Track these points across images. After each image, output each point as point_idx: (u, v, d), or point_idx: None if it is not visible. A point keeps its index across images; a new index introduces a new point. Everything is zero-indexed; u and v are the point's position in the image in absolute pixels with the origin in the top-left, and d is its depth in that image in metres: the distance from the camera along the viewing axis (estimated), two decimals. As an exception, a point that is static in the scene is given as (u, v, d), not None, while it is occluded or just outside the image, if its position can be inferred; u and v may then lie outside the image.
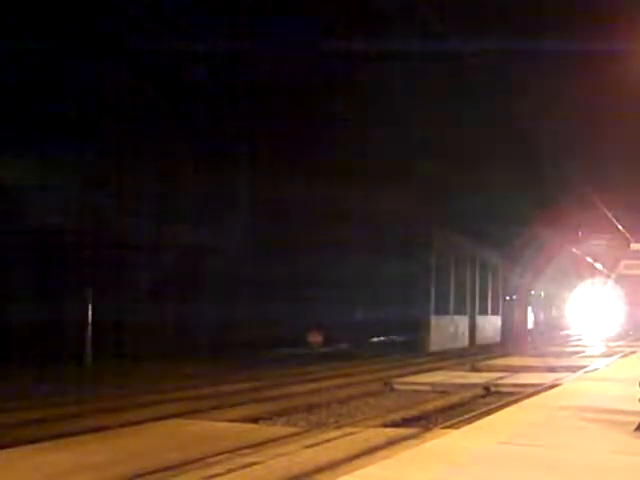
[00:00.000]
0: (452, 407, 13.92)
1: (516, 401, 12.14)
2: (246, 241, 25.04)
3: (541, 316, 50.84)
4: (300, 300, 25.63)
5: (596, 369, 18.44)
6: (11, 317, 18.62)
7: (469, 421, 10.12)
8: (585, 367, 19.34)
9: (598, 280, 48.84)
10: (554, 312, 54.41)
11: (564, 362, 22.95)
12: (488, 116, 18.32)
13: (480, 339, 36.28)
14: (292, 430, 10.79)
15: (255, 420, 11.98)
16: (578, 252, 40.38)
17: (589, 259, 43.51)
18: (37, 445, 8.92)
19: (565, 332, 50.93)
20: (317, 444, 9.17)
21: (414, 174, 23.39)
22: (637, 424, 8.02)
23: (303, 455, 8.45)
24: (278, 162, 22.15)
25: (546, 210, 27.57)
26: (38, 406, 12.35)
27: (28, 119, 18.10)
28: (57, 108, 18.22)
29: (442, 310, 32.01)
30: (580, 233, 34.33)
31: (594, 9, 12.72)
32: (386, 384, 16.98)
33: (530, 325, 45.88)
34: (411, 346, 29.45)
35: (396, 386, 16.85)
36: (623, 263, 17.68)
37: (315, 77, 16.78)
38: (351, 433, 10.10)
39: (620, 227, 28.32)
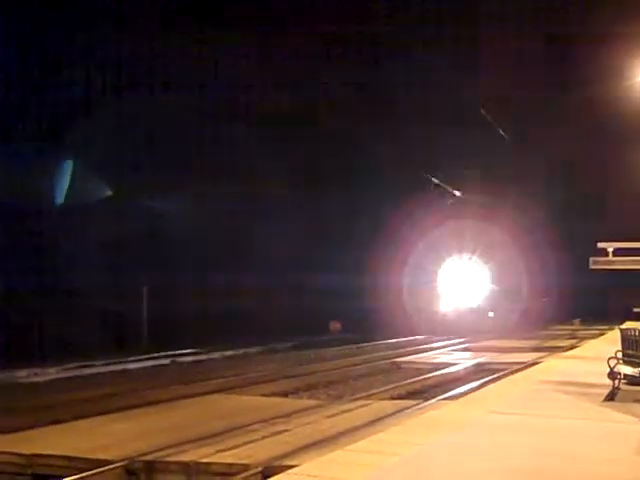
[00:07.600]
0: (450, 382, 14.12)
1: (504, 376, 12.32)
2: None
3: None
4: (321, 292, 25.69)
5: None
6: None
7: (464, 394, 10.33)
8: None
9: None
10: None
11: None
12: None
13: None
14: (315, 402, 11.06)
15: (284, 394, 12.27)
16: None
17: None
18: (107, 416, 9.28)
19: None
20: (336, 414, 9.42)
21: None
22: (605, 395, 8.19)
23: (325, 423, 8.71)
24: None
25: None
26: (107, 383, 12.68)
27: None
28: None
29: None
30: None
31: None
32: (394, 363, 17.20)
33: None
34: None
35: (402, 365, 17.07)
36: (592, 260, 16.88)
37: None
38: (365, 405, 10.35)
39: None
